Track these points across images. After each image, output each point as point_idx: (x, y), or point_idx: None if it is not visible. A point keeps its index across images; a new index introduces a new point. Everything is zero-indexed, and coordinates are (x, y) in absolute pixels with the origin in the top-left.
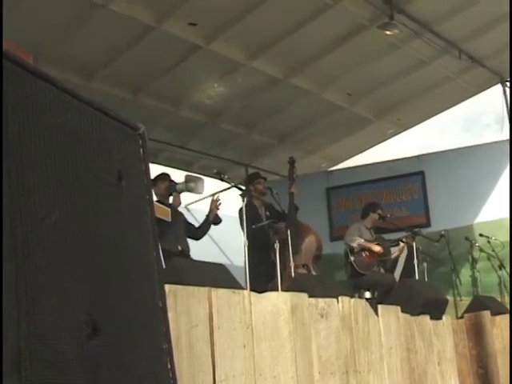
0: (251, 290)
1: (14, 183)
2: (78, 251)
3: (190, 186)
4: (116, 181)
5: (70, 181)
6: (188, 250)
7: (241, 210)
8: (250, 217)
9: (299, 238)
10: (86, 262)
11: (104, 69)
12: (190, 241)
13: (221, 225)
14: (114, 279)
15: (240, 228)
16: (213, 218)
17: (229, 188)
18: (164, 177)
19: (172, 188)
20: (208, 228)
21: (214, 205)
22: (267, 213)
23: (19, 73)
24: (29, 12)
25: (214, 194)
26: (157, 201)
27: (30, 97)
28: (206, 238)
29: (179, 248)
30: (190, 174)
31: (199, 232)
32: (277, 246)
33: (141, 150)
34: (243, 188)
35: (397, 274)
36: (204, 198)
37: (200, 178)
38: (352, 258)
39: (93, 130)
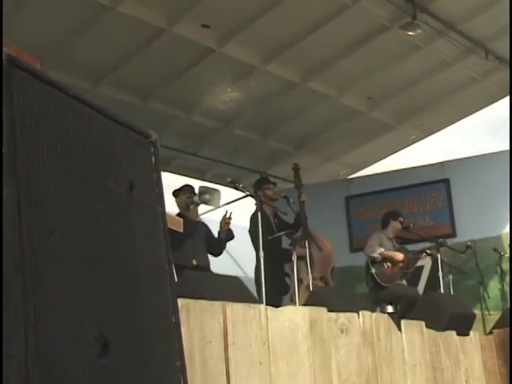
0: (267, 304)
1: (21, 194)
2: (88, 264)
3: (205, 197)
4: (127, 191)
5: (79, 191)
6: (207, 265)
7: (252, 218)
8: (262, 226)
9: (317, 250)
10: (96, 275)
11: (112, 73)
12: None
13: (235, 235)
14: (125, 293)
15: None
16: (225, 235)
17: (244, 197)
18: (186, 188)
19: (190, 200)
20: (223, 246)
21: (225, 221)
22: (276, 220)
23: (26, 79)
24: (34, 15)
25: (228, 203)
26: (179, 213)
27: (37, 104)
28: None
29: (194, 262)
30: (205, 185)
31: (215, 250)
32: (294, 257)
33: (152, 159)
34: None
35: (421, 286)
36: (218, 208)
37: (216, 189)
38: (373, 270)
39: (102, 137)
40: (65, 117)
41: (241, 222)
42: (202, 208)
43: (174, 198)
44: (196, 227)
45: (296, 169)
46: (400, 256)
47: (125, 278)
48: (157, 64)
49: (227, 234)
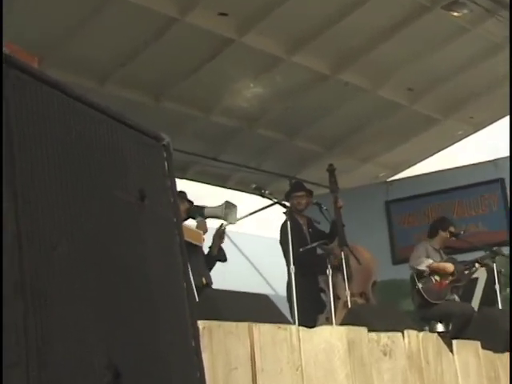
0: (300, 324)
1: (20, 206)
2: (95, 283)
3: (227, 215)
4: (137, 200)
5: (83, 202)
6: (211, 282)
7: (282, 228)
8: (294, 236)
9: (352, 261)
10: (105, 295)
11: (119, 70)
12: (223, 268)
13: (262, 248)
14: (138, 315)
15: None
16: (216, 253)
17: (271, 205)
18: (180, 196)
19: (198, 211)
20: (211, 264)
21: (219, 235)
22: (310, 230)
23: (23, 79)
24: (31, 8)
25: (254, 212)
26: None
27: (35, 106)
28: (245, 264)
29: (203, 281)
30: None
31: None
32: (329, 271)
33: (165, 164)
34: (287, 205)
35: (475, 302)
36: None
37: (233, 205)
38: (420, 285)
39: (109, 142)
40: (67, 120)
41: (268, 234)
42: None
43: None
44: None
45: (331, 170)
46: (450, 268)
47: (137, 298)
48: (169, 58)
49: (219, 251)
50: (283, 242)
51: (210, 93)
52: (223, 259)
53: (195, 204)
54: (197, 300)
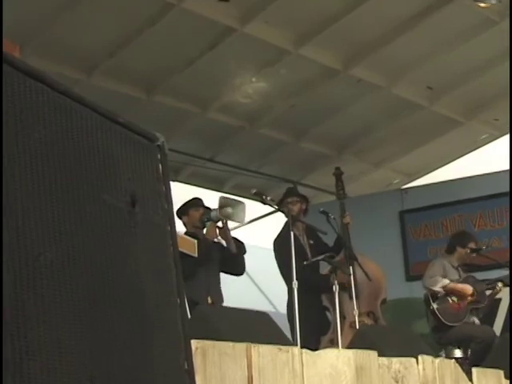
0: (303, 346)
1: None
2: (80, 298)
3: (227, 211)
4: (128, 207)
5: (68, 208)
6: (221, 301)
7: (276, 240)
8: (288, 249)
9: (360, 277)
10: (91, 311)
11: (109, 60)
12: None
13: (262, 262)
14: (127, 333)
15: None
16: (233, 247)
17: (272, 212)
18: (197, 202)
19: (205, 216)
20: (240, 261)
21: (213, 231)
22: (310, 241)
23: (4, 71)
24: None
25: (253, 220)
26: (189, 233)
27: (17, 101)
28: (242, 278)
29: (209, 300)
30: (226, 196)
31: (234, 267)
32: (336, 287)
33: (159, 167)
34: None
35: (497, 326)
36: (242, 226)
37: (240, 201)
38: (435, 306)
39: (98, 141)
40: (51, 117)
41: (268, 244)
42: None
43: (182, 217)
44: (211, 251)
45: (338, 174)
46: (468, 290)
47: (126, 314)
48: (163, 48)
49: (238, 245)
50: (278, 255)
51: (207, 87)
52: (244, 251)
53: (208, 209)
54: (189, 317)
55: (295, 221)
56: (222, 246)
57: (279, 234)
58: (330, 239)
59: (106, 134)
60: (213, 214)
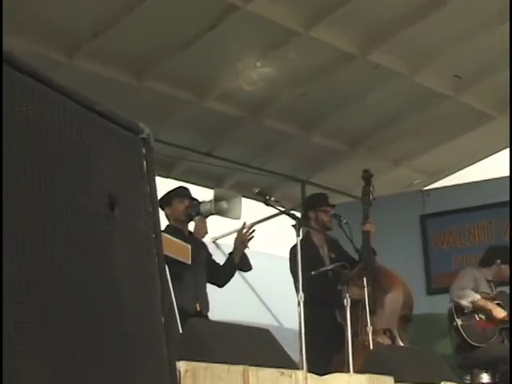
0: (309, 370)
1: None
2: (53, 316)
3: (222, 206)
4: (106, 209)
5: (37, 212)
6: (206, 308)
7: (294, 248)
8: (306, 259)
9: (379, 291)
10: (63, 331)
11: (93, 40)
12: (215, 293)
13: (265, 270)
14: (105, 355)
15: (291, 275)
16: (239, 260)
17: (277, 215)
18: (182, 192)
19: (194, 209)
20: (232, 272)
21: (242, 238)
22: (332, 254)
23: None
24: None
25: (255, 223)
26: (171, 227)
27: None
28: (243, 289)
29: (197, 307)
30: (221, 189)
31: (221, 277)
32: (347, 301)
33: (144, 163)
34: (298, 215)
35: None
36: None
37: (236, 194)
38: (459, 322)
39: (70, 134)
40: (18, 104)
41: (272, 251)
42: (216, 227)
43: (165, 208)
44: (199, 251)
45: (367, 177)
46: (500, 313)
47: (104, 336)
48: (155, 27)
49: (242, 258)
50: (293, 266)
51: (205, 72)
52: (246, 268)
53: (196, 201)
54: (180, 331)
55: (310, 229)
56: (205, 245)
57: (295, 244)
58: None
59: (80, 126)
60: (203, 207)
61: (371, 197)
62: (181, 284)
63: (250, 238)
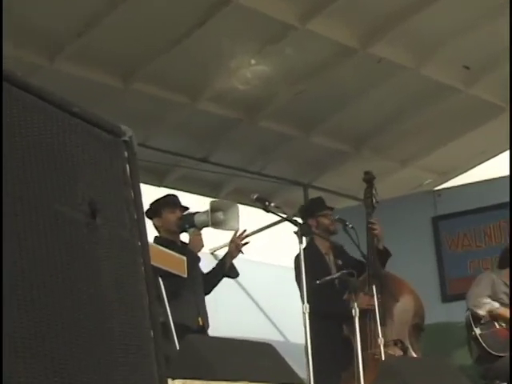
0: None
1: None
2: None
3: (218, 217)
4: (87, 218)
5: (12, 221)
6: (207, 323)
7: (298, 257)
8: (312, 267)
9: (387, 299)
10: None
11: (76, 41)
12: (215, 308)
13: (268, 282)
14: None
15: (297, 285)
16: (228, 267)
17: (278, 222)
18: (172, 201)
19: (187, 221)
20: (218, 279)
21: (236, 243)
22: (338, 261)
23: None
24: None
25: (255, 232)
26: (163, 238)
27: None
28: (245, 303)
29: (199, 321)
30: (218, 200)
31: (205, 283)
32: (355, 312)
33: (127, 168)
34: (300, 222)
35: None
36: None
37: (232, 203)
38: (478, 331)
39: (50, 137)
40: None
41: (274, 260)
42: (212, 238)
43: (154, 219)
44: (195, 264)
45: (369, 179)
46: None
47: (88, 357)
48: (142, 26)
49: (231, 266)
50: (298, 276)
51: (196, 72)
52: (234, 275)
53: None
54: (177, 348)
55: (313, 236)
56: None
57: (299, 252)
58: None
59: (61, 130)
60: (198, 218)
61: (374, 200)
62: (180, 299)
63: (245, 244)
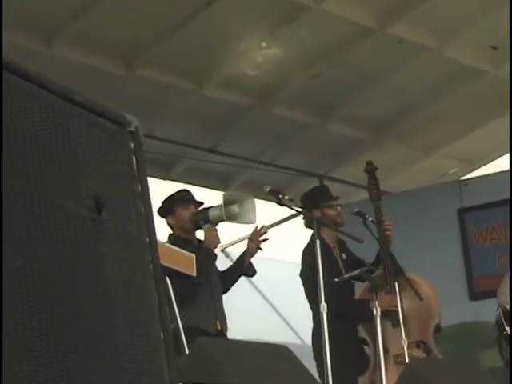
0: None
1: None
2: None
3: (233, 211)
4: (92, 213)
5: (12, 217)
6: (226, 327)
7: (304, 253)
8: (321, 262)
9: (409, 298)
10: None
11: (74, 23)
12: (228, 310)
13: (282, 279)
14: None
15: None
16: (247, 265)
17: (293, 216)
18: (185, 197)
19: (202, 217)
20: (237, 277)
21: (256, 240)
22: (343, 255)
23: None
24: None
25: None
26: (177, 237)
27: None
28: (257, 300)
29: (217, 325)
30: (232, 192)
31: (223, 281)
32: (377, 311)
33: (133, 159)
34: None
35: None
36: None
37: (248, 196)
38: (509, 330)
39: (53, 128)
40: None
41: (290, 257)
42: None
43: (167, 217)
44: (212, 263)
45: (370, 170)
46: None
47: (92, 361)
48: (145, 8)
49: (249, 264)
50: (304, 272)
51: (203, 56)
52: (251, 273)
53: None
54: (186, 352)
55: (329, 226)
56: (216, 257)
57: (308, 244)
58: (365, 249)
59: (63, 120)
60: (212, 213)
61: (378, 190)
62: (197, 302)
63: (264, 240)
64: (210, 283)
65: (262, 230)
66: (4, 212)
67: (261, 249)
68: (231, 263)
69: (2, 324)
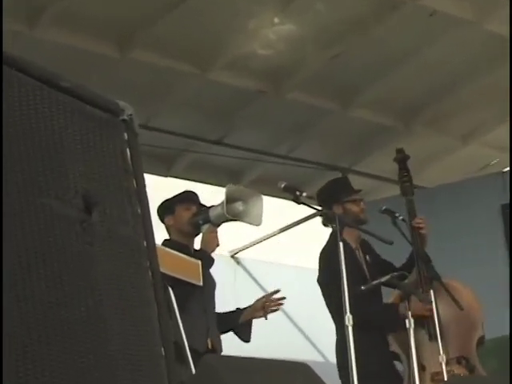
0: None
1: None
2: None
3: (236, 208)
4: (81, 214)
5: None
6: (220, 346)
7: (322, 255)
8: (335, 266)
9: (448, 308)
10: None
11: (59, 0)
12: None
13: (301, 287)
14: None
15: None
16: (243, 325)
17: (312, 216)
18: (189, 196)
19: (201, 216)
20: (224, 330)
21: (268, 306)
22: (367, 257)
23: None
24: None
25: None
26: (173, 242)
27: None
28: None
29: (208, 344)
30: (235, 187)
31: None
32: (410, 322)
33: (127, 152)
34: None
35: None
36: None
37: (254, 192)
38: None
39: (34, 117)
40: None
41: (309, 263)
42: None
43: (165, 218)
44: (207, 267)
45: (401, 159)
46: None
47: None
48: None
49: (247, 326)
50: (322, 277)
51: (207, 36)
52: (244, 338)
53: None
54: (193, 372)
55: (352, 226)
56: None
57: (327, 245)
58: (395, 253)
59: (43, 107)
60: (213, 212)
61: (411, 184)
62: (187, 315)
63: (275, 310)
64: (203, 295)
65: (277, 296)
66: None
67: (265, 317)
68: (242, 271)
69: (1, 324)
